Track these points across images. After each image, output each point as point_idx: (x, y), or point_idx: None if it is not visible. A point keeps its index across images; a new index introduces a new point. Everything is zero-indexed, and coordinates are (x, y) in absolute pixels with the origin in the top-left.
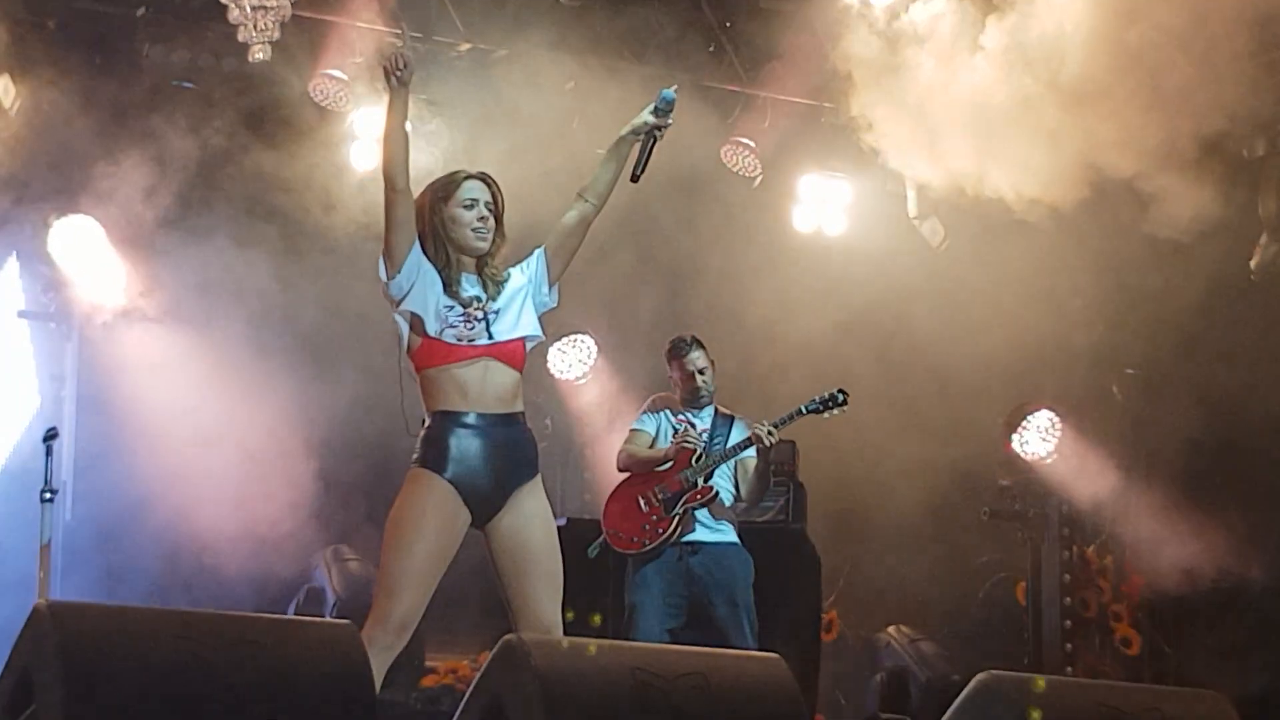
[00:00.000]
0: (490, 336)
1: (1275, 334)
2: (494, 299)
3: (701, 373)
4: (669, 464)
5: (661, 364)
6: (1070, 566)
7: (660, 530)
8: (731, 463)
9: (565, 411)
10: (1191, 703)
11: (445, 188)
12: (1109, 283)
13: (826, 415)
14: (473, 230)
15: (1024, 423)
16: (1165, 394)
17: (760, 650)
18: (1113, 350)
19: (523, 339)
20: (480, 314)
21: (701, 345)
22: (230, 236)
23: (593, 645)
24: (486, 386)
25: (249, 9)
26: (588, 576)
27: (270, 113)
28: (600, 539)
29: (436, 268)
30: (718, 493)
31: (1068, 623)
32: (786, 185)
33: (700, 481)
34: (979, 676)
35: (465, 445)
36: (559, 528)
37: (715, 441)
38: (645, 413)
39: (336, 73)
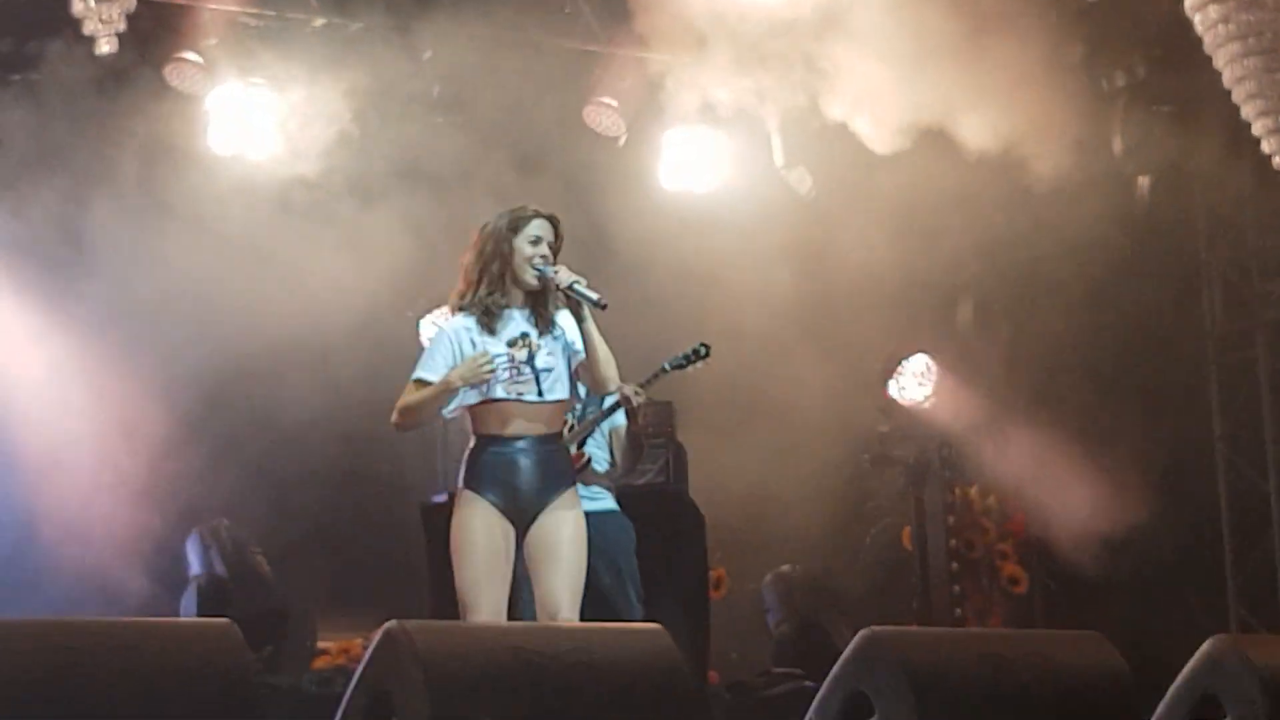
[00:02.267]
0: (540, 394)
1: (1151, 268)
2: (543, 334)
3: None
4: None
5: None
6: (953, 509)
7: None
8: (605, 429)
9: None
10: (1074, 644)
11: (515, 221)
12: (979, 221)
13: (690, 369)
14: (532, 264)
15: (899, 368)
16: (1041, 332)
17: (650, 613)
18: (987, 289)
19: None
20: (527, 361)
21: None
22: (81, 204)
23: (473, 627)
24: (530, 417)
25: (93, 2)
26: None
27: (125, 99)
28: None
29: (476, 314)
30: (590, 459)
31: (954, 565)
32: (652, 143)
33: (573, 450)
34: (861, 633)
35: (505, 466)
36: (439, 504)
37: (587, 410)
38: None
39: (192, 55)
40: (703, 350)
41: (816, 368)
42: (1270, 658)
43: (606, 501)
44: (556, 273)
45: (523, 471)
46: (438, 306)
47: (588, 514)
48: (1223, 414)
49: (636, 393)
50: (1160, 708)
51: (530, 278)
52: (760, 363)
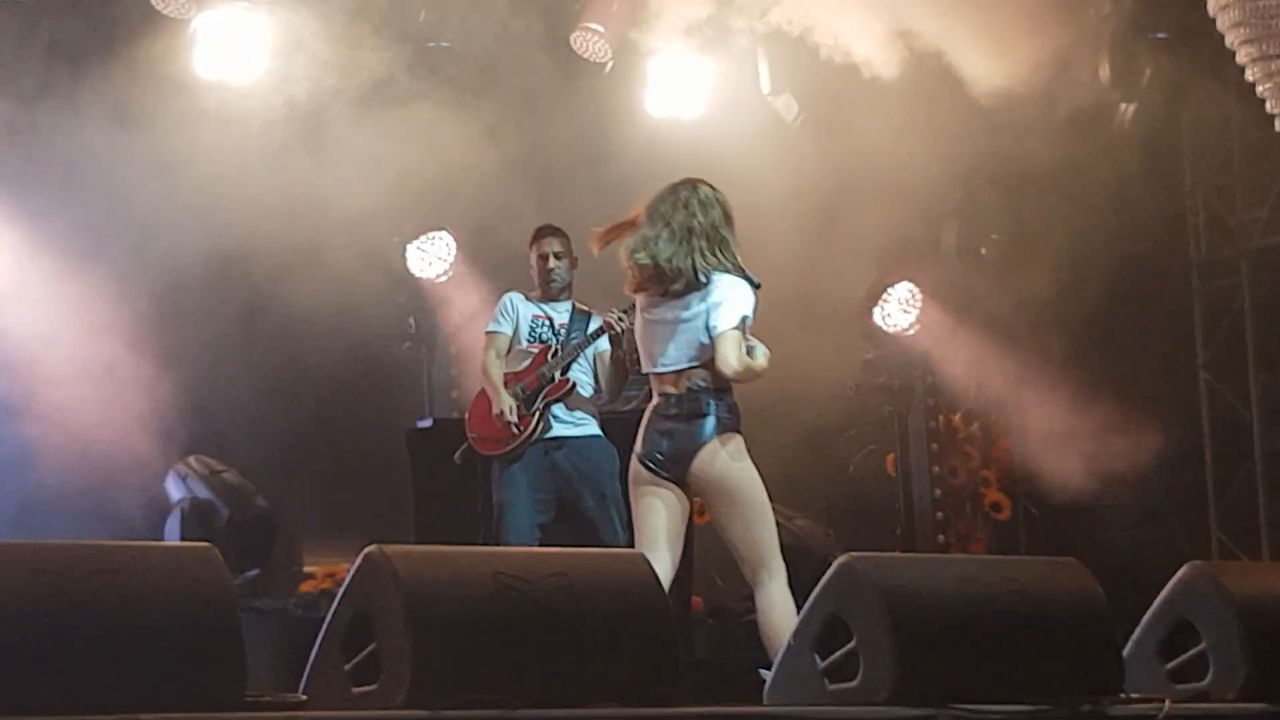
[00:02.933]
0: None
1: (1135, 195)
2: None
3: (557, 257)
4: (527, 361)
5: (519, 260)
6: (938, 435)
7: (521, 428)
8: (590, 356)
9: (427, 310)
10: (1051, 571)
11: None
12: (966, 149)
13: None
14: None
15: (884, 295)
16: (1027, 260)
17: (633, 539)
18: (973, 218)
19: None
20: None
21: (561, 234)
22: (69, 135)
23: (453, 551)
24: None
25: None
26: (456, 481)
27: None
28: (465, 445)
29: None
30: (575, 384)
31: (938, 491)
32: (638, 69)
33: (557, 375)
34: (839, 559)
35: (655, 430)
36: (425, 429)
37: (573, 335)
38: (499, 313)
39: None
40: None
41: (802, 295)
42: (1245, 584)
43: (590, 427)
44: None
45: (668, 434)
46: (425, 233)
47: (571, 439)
48: (1206, 342)
49: (620, 319)
50: (1136, 633)
51: None
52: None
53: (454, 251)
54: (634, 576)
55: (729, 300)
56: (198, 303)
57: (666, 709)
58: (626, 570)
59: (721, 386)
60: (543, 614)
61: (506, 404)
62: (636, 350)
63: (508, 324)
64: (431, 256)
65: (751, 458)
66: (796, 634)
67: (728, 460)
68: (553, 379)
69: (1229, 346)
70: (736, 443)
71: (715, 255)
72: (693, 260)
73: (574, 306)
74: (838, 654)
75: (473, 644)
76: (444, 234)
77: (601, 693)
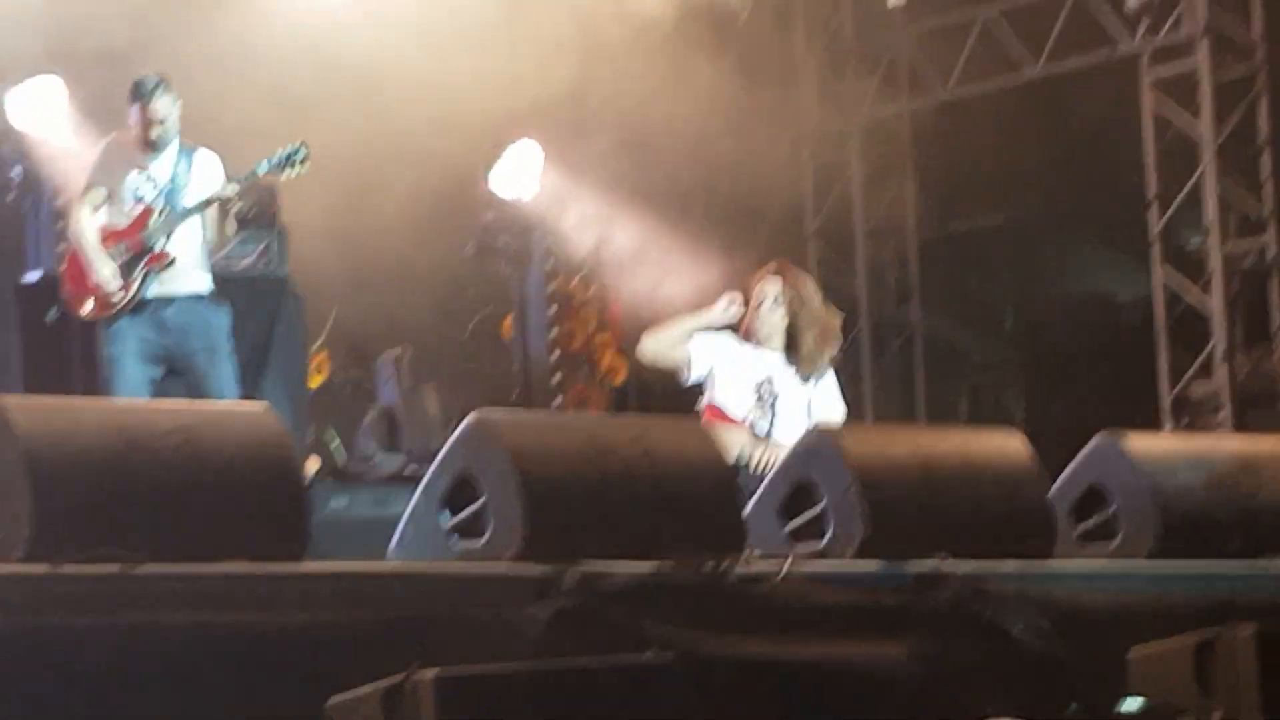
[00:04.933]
0: None
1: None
2: None
3: (162, 123)
4: (131, 220)
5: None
6: (555, 299)
7: (124, 292)
8: (202, 213)
9: (34, 160)
10: (678, 432)
11: None
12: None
13: (286, 174)
14: None
15: (502, 156)
16: (650, 126)
17: (248, 398)
18: (594, 83)
19: None
20: None
21: (168, 89)
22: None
23: (82, 405)
24: None
25: None
26: (70, 336)
27: None
28: (57, 305)
29: None
30: (174, 260)
31: (555, 354)
32: None
33: (161, 242)
34: (469, 416)
35: None
36: (33, 283)
37: (176, 184)
38: (97, 167)
39: None
40: (300, 153)
41: (424, 152)
42: (863, 446)
43: (202, 283)
44: None
45: None
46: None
47: (181, 297)
48: (816, 212)
49: (234, 190)
50: (758, 492)
51: None
52: (373, 148)
53: (66, 100)
54: (261, 431)
55: None
56: None
57: (292, 565)
58: (253, 425)
59: None
60: (167, 469)
61: (104, 272)
62: (253, 206)
63: (104, 177)
64: (36, 105)
65: None
66: (425, 490)
67: None
68: (152, 248)
69: (838, 212)
70: None
71: None
72: None
73: (180, 152)
74: (466, 512)
75: (95, 498)
76: (52, 77)
77: (228, 549)
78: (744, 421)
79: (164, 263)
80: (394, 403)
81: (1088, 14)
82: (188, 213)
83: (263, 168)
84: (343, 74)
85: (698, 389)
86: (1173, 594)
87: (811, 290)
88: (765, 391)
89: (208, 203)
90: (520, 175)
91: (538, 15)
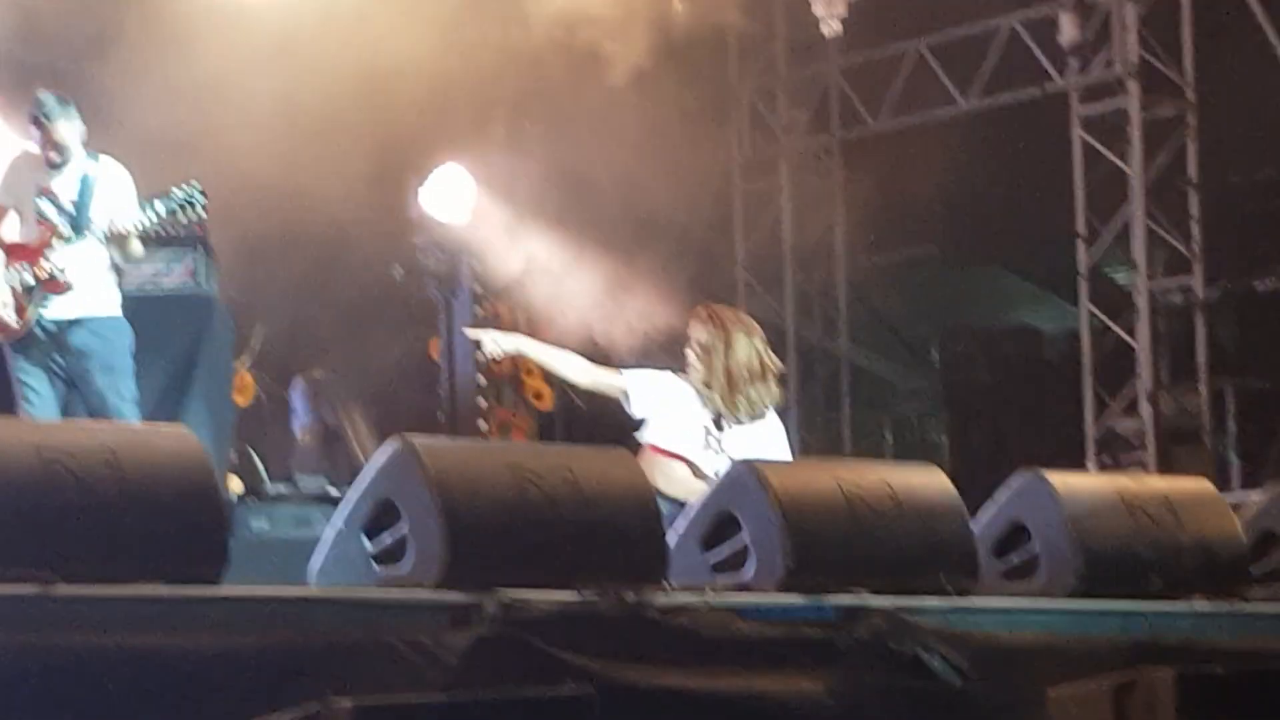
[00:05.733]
0: None
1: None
2: None
3: (62, 146)
4: (35, 240)
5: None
6: (482, 322)
7: (21, 318)
8: (105, 230)
9: None
10: (592, 460)
11: None
12: (517, 32)
13: (184, 216)
14: None
15: (432, 179)
16: (575, 149)
17: (174, 418)
18: (523, 104)
19: None
20: None
21: (68, 108)
22: None
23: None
24: None
25: None
26: None
27: None
28: None
29: None
30: (71, 287)
31: (481, 379)
32: None
33: (61, 269)
34: (390, 441)
35: None
36: None
37: (81, 202)
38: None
39: None
40: (197, 198)
41: (353, 176)
42: (787, 479)
43: (107, 307)
44: None
45: None
46: None
47: (88, 320)
48: (745, 240)
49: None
50: (681, 525)
51: None
52: (298, 169)
53: None
54: (183, 454)
55: None
56: None
57: (210, 588)
58: (175, 447)
59: None
60: (86, 490)
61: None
62: (178, 225)
63: (7, 191)
64: None
65: None
66: (349, 517)
67: None
68: (51, 274)
69: (765, 244)
70: None
71: None
72: None
73: (85, 164)
74: (387, 537)
75: (13, 519)
76: None
77: (145, 571)
78: (686, 456)
79: (61, 290)
80: (318, 424)
81: (1019, 49)
82: (86, 240)
83: (159, 209)
84: (271, 88)
85: (626, 417)
86: (1093, 633)
87: (737, 336)
88: (712, 432)
89: (109, 235)
90: (450, 198)
91: (471, 39)
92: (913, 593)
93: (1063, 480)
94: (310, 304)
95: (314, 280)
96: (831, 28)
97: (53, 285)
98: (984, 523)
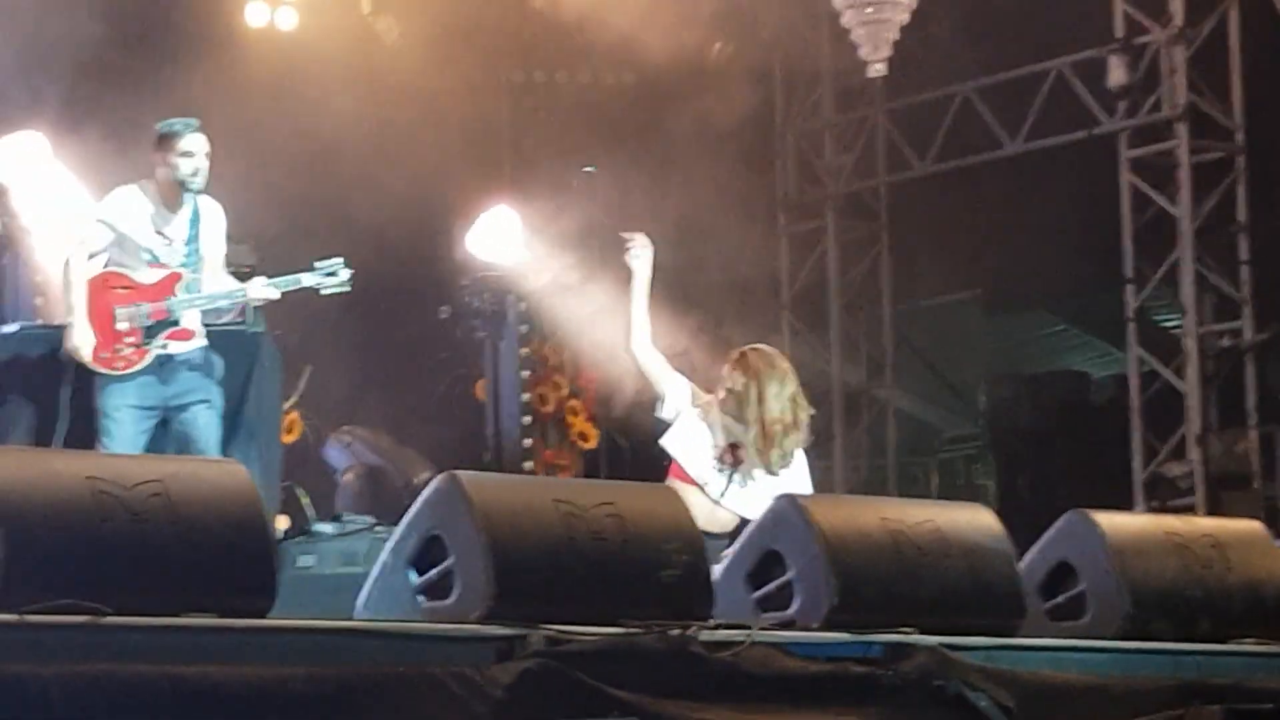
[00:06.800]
0: None
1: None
2: None
3: (196, 173)
4: (158, 278)
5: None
6: (528, 363)
7: (136, 359)
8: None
9: (11, 212)
10: (647, 497)
11: None
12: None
13: (327, 288)
14: None
15: (478, 221)
16: (621, 190)
17: (223, 453)
18: (565, 144)
19: None
20: None
21: (201, 133)
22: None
23: (48, 456)
24: None
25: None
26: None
27: None
28: None
29: None
30: (196, 334)
31: (527, 419)
32: None
33: (183, 319)
34: (439, 476)
35: None
36: (10, 334)
37: (193, 245)
38: (107, 217)
39: None
40: (339, 272)
41: (397, 217)
42: (830, 516)
43: (201, 338)
44: None
45: None
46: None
47: (182, 355)
48: (790, 283)
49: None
50: (727, 560)
51: None
52: (343, 206)
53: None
54: (231, 487)
55: None
56: None
57: (259, 621)
58: (224, 480)
59: None
60: (137, 521)
61: (84, 347)
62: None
63: (111, 224)
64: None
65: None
66: (394, 549)
67: None
68: (176, 320)
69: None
70: None
71: None
72: None
73: (196, 209)
74: (434, 571)
75: (63, 549)
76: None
77: (195, 603)
78: (700, 482)
79: (184, 340)
80: (359, 464)
81: (1067, 92)
82: (215, 298)
83: (306, 280)
84: (319, 131)
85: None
86: (1140, 674)
87: (769, 387)
88: (726, 459)
89: (247, 301)
90: (497, 240)
91: (517, 81)
92: (959, 631)
93: (1110, 520)
94: (357, 345)
95: (361, 321)
96: (878, 70)
97: (180, 334)
98: (1031, 562)
